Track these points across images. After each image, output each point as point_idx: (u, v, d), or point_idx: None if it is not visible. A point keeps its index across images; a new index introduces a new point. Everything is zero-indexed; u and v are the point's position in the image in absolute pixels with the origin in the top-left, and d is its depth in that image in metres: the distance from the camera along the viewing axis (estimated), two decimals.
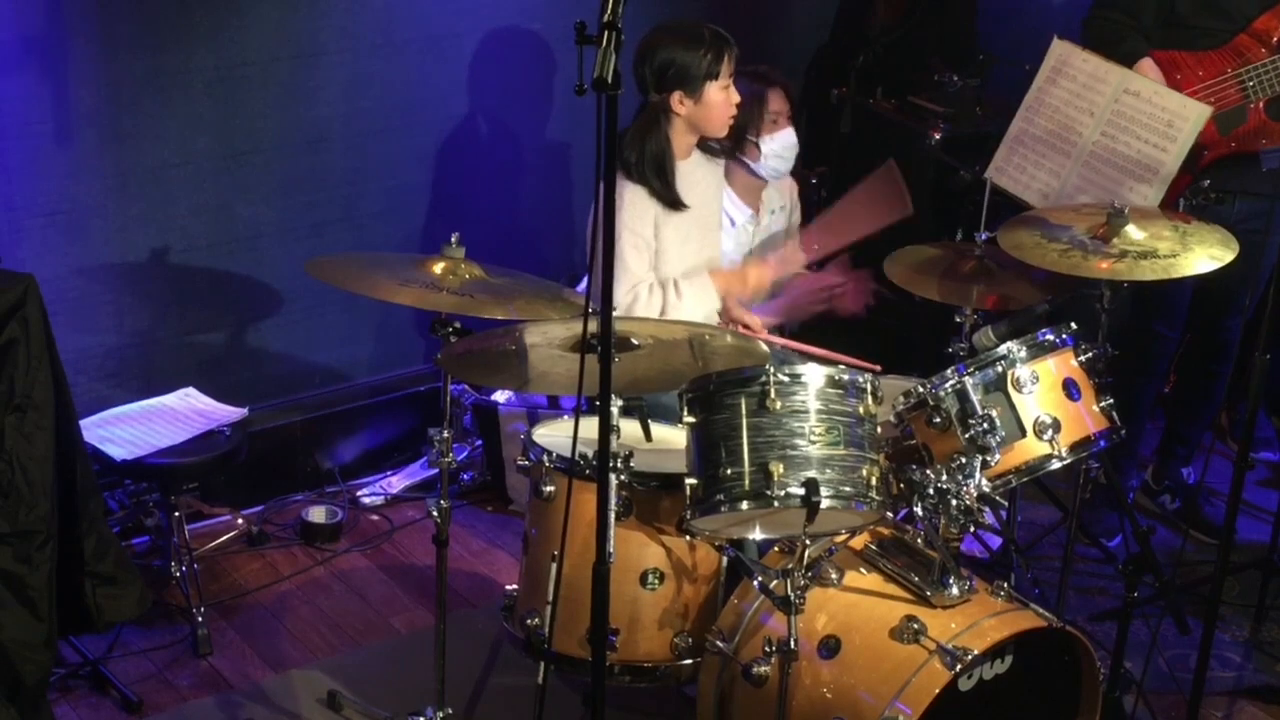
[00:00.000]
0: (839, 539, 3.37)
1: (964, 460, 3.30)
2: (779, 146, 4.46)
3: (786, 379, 3.12)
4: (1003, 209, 4.27)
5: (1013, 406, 3.42)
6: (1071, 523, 4.06)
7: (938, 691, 3.10)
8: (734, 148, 4.39)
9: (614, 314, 2.79)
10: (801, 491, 3.04)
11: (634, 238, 4.07)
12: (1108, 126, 4.21)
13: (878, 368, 3.55)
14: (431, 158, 4.96)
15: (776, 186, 4.59)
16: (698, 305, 4.13)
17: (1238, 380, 4.97)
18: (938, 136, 5.15)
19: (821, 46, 5.71)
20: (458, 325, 3.52)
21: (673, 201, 4.13)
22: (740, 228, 4.50)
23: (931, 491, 3.28)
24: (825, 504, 3.04)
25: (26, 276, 3.52)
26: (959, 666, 3.11)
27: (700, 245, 4.24)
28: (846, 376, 3.17)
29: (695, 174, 4.22)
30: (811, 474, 3.06)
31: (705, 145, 4.28)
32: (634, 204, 4.07)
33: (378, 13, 4.70)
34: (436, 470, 3.63)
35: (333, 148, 4.74)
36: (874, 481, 3.14)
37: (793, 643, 3.15)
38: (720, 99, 4.11)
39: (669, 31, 4.13)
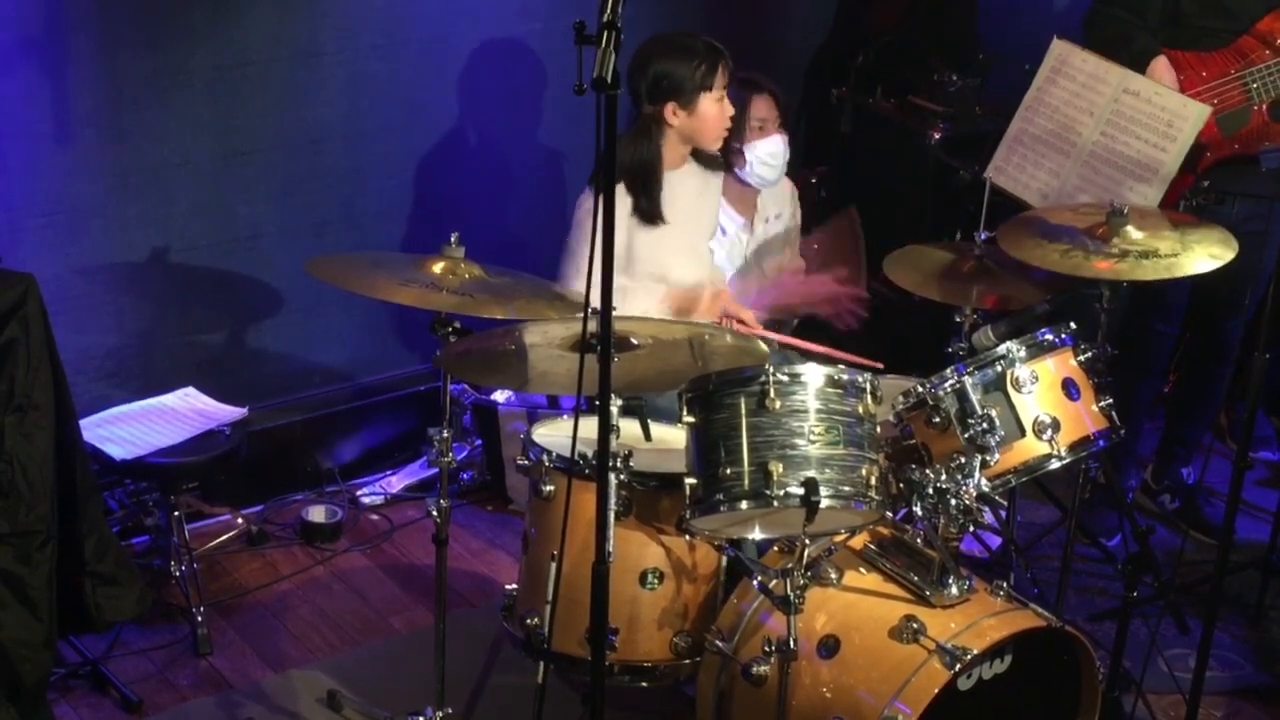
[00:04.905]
0: (838, 539, 3.37)
1: (963, 460, 3.30)
2: (763, 153, 4.43)
3: (786, 379, 3.12)
4: (1003, 209, 4.27)
5: (1012, 406, 3.42)
6: (1071, 522, 4.06)
7: (937, 691, 3.10)
8: (722, 154, 4.38)
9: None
10: (801, 491, 3.04)
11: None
12: (1107, 126, 4.21)
13: (879, 365, 3.54)
14: (431, 157, 4.96)
15: (771, 193, 4.56)
16: (637, 307, 4.08)
17: (1237, 380, 4.97)
18: (937, 136, 5.15)
19: (821, 46, 5.70)
20: (457, 325, 3.52)
21: (650, 214, 4.13)
22: (732, 237, 4.48)
23: (931, 491, 3.28)
24: (824, 504, 3.04)
25: (26, 276, 3.52)
26: (958, 666, 3.11)
27: (689, 259, 4.22)
28: (846, 376, 3.17)
29: (687, 183, 4.21)
30: (811, 474, 3.06)
31: (702, 158, 4.27)
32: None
33: (377, 13, 4.70)
34: (436, 470, 3.63)
35: (333, 148, 4.74)
36: (873, 481, 3.14)
37: (792, 642, 3.15)
38: (714, 111, 4.13)
39: (662, 42, 4.14)
